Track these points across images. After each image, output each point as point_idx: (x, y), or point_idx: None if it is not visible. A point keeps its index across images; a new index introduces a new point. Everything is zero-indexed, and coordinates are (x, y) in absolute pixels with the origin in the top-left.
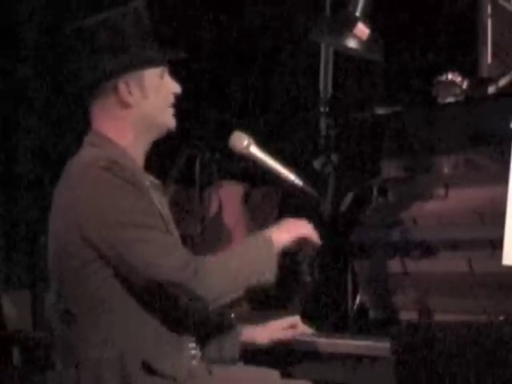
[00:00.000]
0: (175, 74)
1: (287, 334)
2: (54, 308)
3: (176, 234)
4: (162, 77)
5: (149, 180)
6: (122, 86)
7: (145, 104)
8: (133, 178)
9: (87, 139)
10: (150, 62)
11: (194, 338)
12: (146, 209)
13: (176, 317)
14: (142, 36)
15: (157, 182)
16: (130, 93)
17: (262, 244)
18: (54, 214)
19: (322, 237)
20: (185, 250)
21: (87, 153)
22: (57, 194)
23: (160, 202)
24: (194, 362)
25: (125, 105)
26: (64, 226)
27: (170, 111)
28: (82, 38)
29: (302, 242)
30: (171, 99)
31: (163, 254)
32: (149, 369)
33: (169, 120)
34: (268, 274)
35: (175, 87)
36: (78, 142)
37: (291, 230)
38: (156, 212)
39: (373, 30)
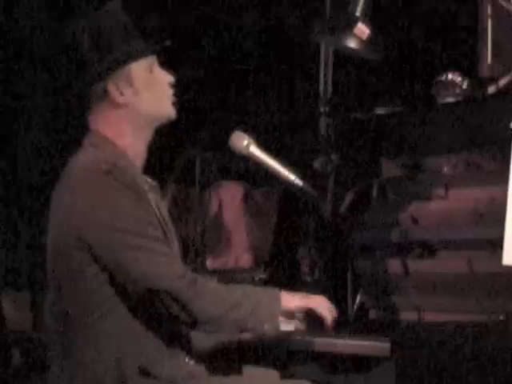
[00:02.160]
0: (171, 66)
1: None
2: (51, 308)
3: (173, 236)
4: (151, 70)
5: (147, 183)
6: (112, 88)
7: (138, 101)
8: (133, 183)
9: (87, 139)
10: (133, 56)
11: (192, 339)
12: (145, 217)
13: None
14: (121, 34)
15: (154, 183)
16: (121, 93)
17: (270, 295)
18: (53, 214)
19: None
20: (181, 263)
21: (88, 154)
22: (57, 195)
23: (157, 204)
24: (193, 363)
25: (118, 106)
26: (63, 228)
27: (169, 102)
28: (67, 47)
29: (312, 315)
30: (168, 91)
31: (159, 262)
32: (146, 373)
33: (168, 110)
34: (267, 326)
35: (168, 78)
36: (78, 142)
37: (303, 300)
38: (154, 221)
39: (373, 30)
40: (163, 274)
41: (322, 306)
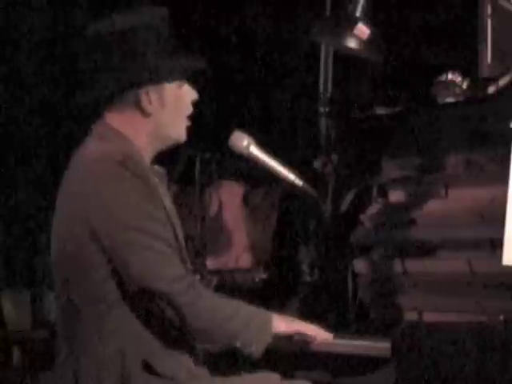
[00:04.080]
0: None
1: (308, 331)
2: (56, 299)
3: (179, 228)
4: (180, 86)
5: (157, 174)
6: (144, 96)
7: (162, 114)
8: (145, 175)
9: (97, 130)
10: (173, 76)
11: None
12: (153, 213)
13: (175, 319)
14: (163, 47)
15: (161, 171)
16: (149, 102)
17: (261, 317)
18: (61, 204)
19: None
20: (182, 265)
21: (101, 146)
22: (65, 185)
23: (165, 194)
24: (194, 363)
25: (143, 113)
26: (73, 217)
27: (185, 124)
28: (102, 46)
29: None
30: (189, 109)
31: (161, 264)
32: (149, 369)
33: (181, 133)
34: (254, 347)
35: (193, 95)
36: (84, 130)
37: (293, 325)
38: (162, 217)
39: (373, 30)
40: (162, 275)
41: (313, 330)
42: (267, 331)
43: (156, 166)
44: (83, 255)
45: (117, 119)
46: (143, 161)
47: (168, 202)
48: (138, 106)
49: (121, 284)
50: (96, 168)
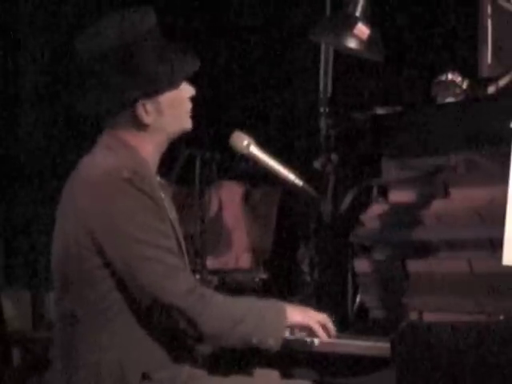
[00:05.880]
0: None
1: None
2: (55, 307)
3: (182, 239)
4: (177, 87)
5: (162, 186)
6: (140, 108)
7: (160, 121)
8: (152, 191)
9: (103, 140)
10: (168, 85)
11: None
12: (160, 227)
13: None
14: (158, 54)
15: (164, 182)
16: (146, 112)
17: (275, 309)
18: (65, 214)
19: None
20: (192, 275)
21: (107, 158)
22: (69, 195)
23: (169, 205)
24: (193, 363)
25: (141, 124)
26: (77, 229)
27: (188, 116)
28: (94, 62)
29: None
30: (188, 106)
31: (171, 276)
32: (148, 379)
33: (186, 124)
34: (272, 340)
35: (190, 91)
36: (89, 141)
37: (306, 317)
38: (169, 230)
39: (373, 30)
40: (173, 289)
41: (322, 323)
42: (282, 324)
43: (161, 180)
44: (85, 268)
45: (119, 131)
46: (150, 174)
47: (173, 214)
48: (135, 117)
49: (126, 297)
50: (102, 183)
